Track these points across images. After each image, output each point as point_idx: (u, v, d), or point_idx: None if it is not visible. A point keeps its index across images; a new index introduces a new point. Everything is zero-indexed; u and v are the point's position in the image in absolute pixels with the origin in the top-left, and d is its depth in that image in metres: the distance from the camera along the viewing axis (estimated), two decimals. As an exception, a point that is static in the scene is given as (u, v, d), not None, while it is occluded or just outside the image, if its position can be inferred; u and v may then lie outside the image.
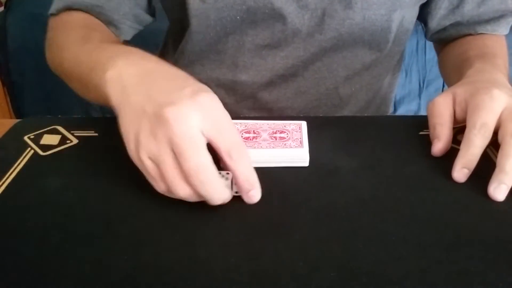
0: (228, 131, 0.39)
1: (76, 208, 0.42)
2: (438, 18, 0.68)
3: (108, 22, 0.62)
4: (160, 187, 0.39)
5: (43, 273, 0.35)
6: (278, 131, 0.50)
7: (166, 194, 0.40)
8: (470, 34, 0.68)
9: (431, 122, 0.50)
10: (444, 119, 0.49)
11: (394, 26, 0.63)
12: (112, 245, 0.38)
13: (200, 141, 0.37)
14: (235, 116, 0.69)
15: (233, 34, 0.62)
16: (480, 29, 0.67)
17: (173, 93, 0.39)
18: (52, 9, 0.61)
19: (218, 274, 0.35)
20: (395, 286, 0.34)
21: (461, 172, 0.45)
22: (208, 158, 0.37)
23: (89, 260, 0.36)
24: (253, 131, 0.50)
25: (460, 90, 0.50)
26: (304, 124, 0.51)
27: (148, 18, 0.67)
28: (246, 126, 0.51)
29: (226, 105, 0.70)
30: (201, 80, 0.70)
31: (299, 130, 0.50)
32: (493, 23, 0.67)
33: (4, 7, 1.11)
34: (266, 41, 0.62)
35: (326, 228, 0.39)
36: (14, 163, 0.48)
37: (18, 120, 0.57)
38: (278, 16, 0.60)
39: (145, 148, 0.38)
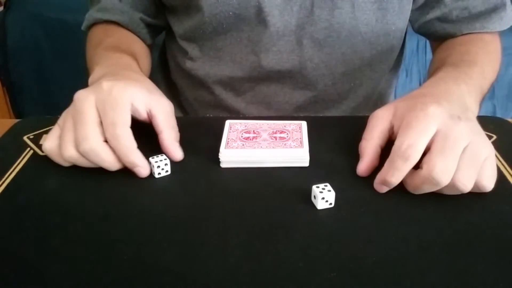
0: (110, 113, 0.44)
1: (76, 208, 0.42)
2: (420, 3, 0.65)
3: (128, 30, 0.68)
4: (47, 142, 0.46)
5: (43, 273, 0.35)
6: (278, 131, 0.50)
7: (48, 149, 0.46)
8: (456, 35, 0.66)
9: (363, 134, 0.48)
10: (372, 135, 0.47)
11: (391, 16, 0.63)
12: (112, 245, 0.38)
13: (90, 116, 0.44)
14: (235, 114, 0.70)
15: (230, 31, 0.63)
16: (467, 29, 0.64)
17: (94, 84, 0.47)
18: (83, 26, 0.70)
19: (218, 274, 0.35)
20: (395, 286, 0.34)
21: (379, 186, 0.44)
22: (93, 130, 0.44)
23: (89, 260, 0.36)
24: (253, 131, 0.50)
25: (401, 104, 0.47)
26: (304, 124, 0.51)
27: (154, 22, 0.71)
28: (246, 126, 0.51)
29: (224, 100, 0.71)
30: (198, 77, 0.71)
31: (299, 130, 0.50)
32: (483, 19, 0.64)
33: (4, 7, 1.11)
34: (259, 36, 0.63)
35: (326, 228, 0.39)
36: (14, 163, 0.48)
37: (18, 120, 0.57)
38: (267, 9, 0.60)
39: (60, 119, 0.47)
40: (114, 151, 0.44)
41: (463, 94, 0.48)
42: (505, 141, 0.52)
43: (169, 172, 0.46)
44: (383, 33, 0.64)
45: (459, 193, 0.41)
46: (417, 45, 1.15)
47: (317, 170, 0.47)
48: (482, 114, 0.52)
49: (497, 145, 0.50)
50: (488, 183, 0.42)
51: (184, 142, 0.51)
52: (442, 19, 0.66)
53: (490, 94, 1.18)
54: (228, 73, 0.67)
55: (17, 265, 0.36)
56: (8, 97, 1.20)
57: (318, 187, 0.42)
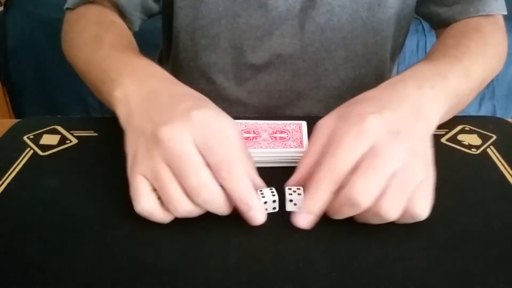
0: (218, 147, 0.38)
1: (76, 208, 0.42)
2: None
3: (120, 13, 0.64)
4: (144, 203, 0.38)
5: (43, 273, 0.35)
6: (278, 131, 0.50)
7: (148, 210, 0.38)
8: (451, 22, 0.63)
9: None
10: (310, 151, 0.41)
11: (392, 0, 0.62)
12: (112, 245, 0.38)
13: (196, 158, 0.37)
14: (236, 104, 0.69)
15: (226, 17, 0.62)
16: (460, 14, 0.61)
17: (168, 112, 0.39)
18: (69, 4, 0.63)
19: (218, 274, 0.35)
20: (395, 286, 0.34)
21: (304, 219, 0.38)
22: (207, 174, 0.37)
23: (89, 260, 0.36)
24: (253, 131, 0.50)
25: (344, 110, 0.42)
26: (304, 124, 0.51)
27: (154, 7, 0.69)
28: (246, 126, 0.51)
29: (225, 90, 0.70)
30: (197, 67, 0.68)
31: (299, 130, 0.50)
32: (477, 2, 0.60)
33: (4, 7, 1.11)
34: (260, 21, 0.62)
35: (326, 228, 0.39)
36: (14, 163, 0.48)
37: (18, 120, 0.57)
38: None
39: (140, 166, 0.38)
40: (228, 193, 0.38)
41: (423, 100, 0.42)
42: (505, 141, 0.52)
43: (276, 209, 0.41)
44: (385, 18, 0.63)
45: (385, 222, 0.37)
46: (417, 45, 1.16)
47: (317, 170, 0.47)
48: (482, 114, 0.52)
49: (497, 145, 0.50)
50: (421, 212, 0.37)
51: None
52: (437, 1, 0.64)
53: (490, 94, 1.18)
54: (230, 60, 0.66)
55: (17, 264, 0.36)
56: (8, 97, 1.20)
57: (290, 188, 0.41)
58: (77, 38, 0.58)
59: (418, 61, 0.51)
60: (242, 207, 0.38)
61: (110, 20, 0.61)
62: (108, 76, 0.47)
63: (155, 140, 0.37)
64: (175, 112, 0.39)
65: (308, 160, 0.41)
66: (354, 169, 0.37)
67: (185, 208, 0.37)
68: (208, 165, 0.37)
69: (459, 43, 0.55)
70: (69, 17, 0.63)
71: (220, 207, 0.38)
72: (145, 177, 0.38)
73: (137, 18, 0.67)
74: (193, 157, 0.37)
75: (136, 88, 0.44)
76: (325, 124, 0.42)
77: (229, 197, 0.38)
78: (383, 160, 0.36)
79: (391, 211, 0.36)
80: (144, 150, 0.38)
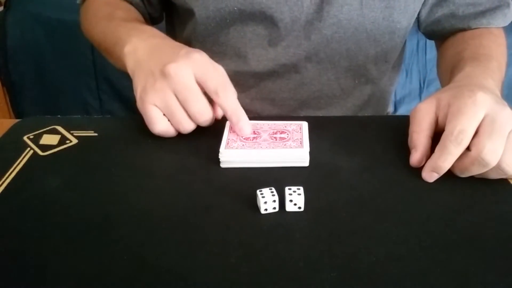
0: (214, 76, 0.48)
1: (76, 208, 0.42)
2: (430, 4, 0.67)
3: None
4: (160, 126, 0.49)
5: (43, 273, 0.35)
6: (279, 131, 0.50)
7: (164, 131, 0.49)
8: (465, 30, 0.67)
9: (409, 129, 0.49)
10: (422, 127, 0.47)
11: (397, 15, 0.63)
12: (112, 245, 0.38)
13: (196, 89, 0.47)
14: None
15: (234, 25, 0.63)
16: (475, 24, 0.66)
17: (173, 55, 0.48)
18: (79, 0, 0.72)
19: (218, 274, 0.35)
20: (395, 286, 0.34)
21: (429, 174, 0.45)
22: (205, 102, 0.48)
23: (89, 260, 0.36)
24: (254, 131, 0.50)
25: (444, 95, 0.48)
26: (305, 124, 0.51)
27: (155, 13, 0.72)
28: (246, 126, 0.51)
29: None
30: None
31: (299, 131, 0.50)
32: (489, 16, 0.66)
33: (4, 7, 1.11)
34: (267, 31, 0.63)
35: (326, 228, 0.39)
36: (14, 163, 0.48)
37: (18, 120, 0.57)
38: (275, 4, 0.60)
39: (150, 97, 0.48)
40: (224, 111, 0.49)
41: (493, 87, 0.51)
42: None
43: (276, 209, 0.41)
44: (388, 31, 0.65)
45: (504, 176, 0.44)
46: (417, 45, 1.15)
47: (317, 170, 0.47)
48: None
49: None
50: None
51: (184, 142, 0.51)
52: (450, 16, 0.67)
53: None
54: (234, 67, 0.67)
55: (17, 265, 0.36)
56: (8, 97, 1.20)
57: (290, 188, 0.41)
58: (93, 17, 0.67)
59: (459, 62, 0.59)
60: (234, 118, 0.49)
61: (118, 1, 0.68)
62: (119, 38, 0.56)
63: (163, 76, 0.47)
64: (178, 55, 0.48)
65: (425, 134, 0.47)
66: (476, 133, 0.43)
67: (190, 128, 0.49)
68: (205, 93, 0.48)
69: (482, 43, 0.63)
70: (84, 7, 0.70)
71: (210, 122, 0.50)
72: (155, 105, 0.48)
73: (145, 14, 0.70)
74: (194, 87, 0.47)
75: (142, 43, 0.53)
76: (427, 106, 0.48)
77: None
78: (501, 123, 0.43)
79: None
80: (153, 85, 0.48)
